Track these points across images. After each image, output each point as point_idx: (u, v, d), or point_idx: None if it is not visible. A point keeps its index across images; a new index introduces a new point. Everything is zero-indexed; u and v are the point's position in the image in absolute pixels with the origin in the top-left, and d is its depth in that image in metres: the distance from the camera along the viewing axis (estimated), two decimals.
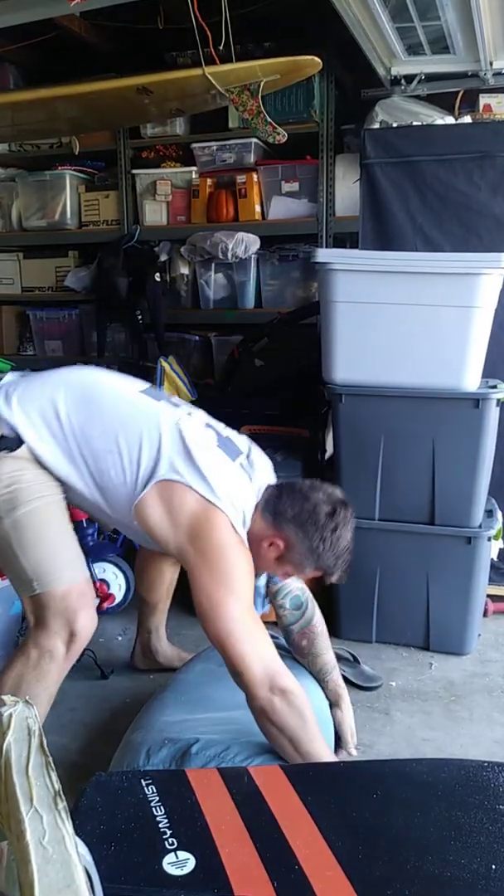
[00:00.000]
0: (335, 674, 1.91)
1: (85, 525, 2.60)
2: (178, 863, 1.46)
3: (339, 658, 2.30)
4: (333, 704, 1.87)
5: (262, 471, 1.77)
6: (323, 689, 1.89)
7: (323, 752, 1.61)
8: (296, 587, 1.94)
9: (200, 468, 1.63)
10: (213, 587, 1.60)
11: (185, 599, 2.80)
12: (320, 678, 1.91)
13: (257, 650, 1.57)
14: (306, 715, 1.57)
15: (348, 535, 1.70)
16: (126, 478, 1.66)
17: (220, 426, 1.81)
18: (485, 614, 2.61)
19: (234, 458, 1.72)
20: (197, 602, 1.63)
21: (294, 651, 1.95)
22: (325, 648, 1.92)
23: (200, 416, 1.80)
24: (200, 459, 1.64)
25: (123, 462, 1.66)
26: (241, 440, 1.81)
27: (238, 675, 1.57)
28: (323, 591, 2.60)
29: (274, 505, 1.70)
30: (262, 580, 1.84)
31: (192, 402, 3.03)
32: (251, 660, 1.56)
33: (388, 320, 2.24)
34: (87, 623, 1.69)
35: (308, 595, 1.95)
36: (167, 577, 2.21)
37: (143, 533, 1.71)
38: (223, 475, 1.66)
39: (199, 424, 1.74)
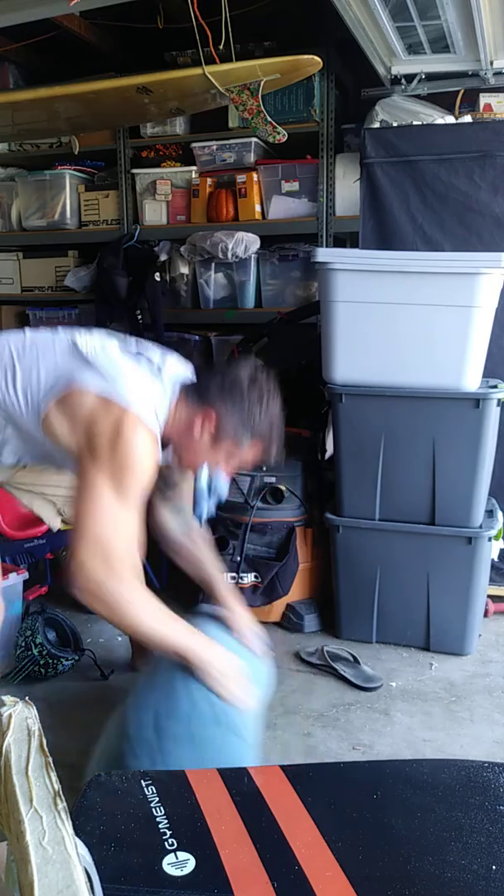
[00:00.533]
0: (221, 585, 1.93)
1: None
2: (178, 863, 1.45)
3: (339, 658, 2.30)
4: (227, 608, 1.87)
5: (174, 370, 1.74)
6: (213, 596, 1.90)
7: (158, 630, 1.57)
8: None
9: (98, 369, 1.61)
10: (95, 473, 1.54)
11: (184, 598, 2.80)
12: (207, 587, 1.93)
13: (102, 551, 1.51)
14: (128, 594, 1.53)
15: (277, 400, 1.69)
16: (30, 399, 1.64)
17: (133, 341, 1.79)
18: (485, 615, 2.61)
19: (139, 361, 1.69)
20: (76, 490, 1.58)
21: (179, 556, 1.98)
22: (209, 558, 1.96)
23: (103, 333, 1.77)
24: (97, 362, 1.62)
25: (24, 386, 1.65)
26: (154, 352, 1.77)
27: (70, 548, 1.54)
28: (323, 592, 2.61)
29: (195, 388, 1.70)
30: (204, 479, 1.80)
31: None
32: (90, 537, 1.52)
33: (388, 320, 2.24)
34: None
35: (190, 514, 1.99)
36: None
37: (60, 451, 1.66)
38: (123, 374, 1.62)
39: (98, 336, 1.72)
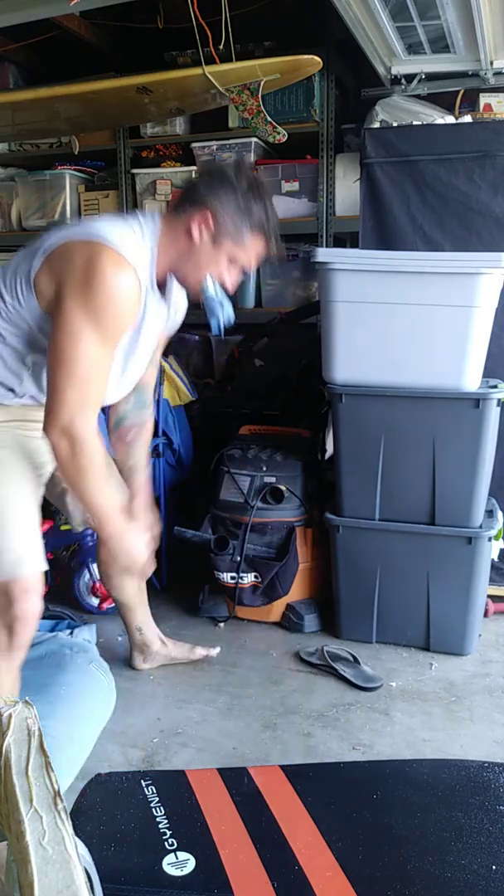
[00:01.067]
0: (140, 476, 1.98)
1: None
2: (178, 863, 1.46)
3: (339, 658, 2.30)
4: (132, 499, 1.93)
5: (153, 211, 1.77)
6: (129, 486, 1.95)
7: (101, 504, 1.65)
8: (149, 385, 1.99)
9: (78, 224, 1.67)
10: (70, 312, 1.51)
11: (184, 599, 2.80)
12: (126, 476, 1.96)
13: (77, 389, 1.52)
14: (88, 468, 1.57)
15: (266, 190, 1.68)
16: (19, 280, 1.66)
17: None
18: (485, 615, 2.61)
19: (118, 217, 1.70)
20: (53, 329, 1.55)
21: (114, 441, 2.00)
22: (141, 454, 2.00)
23: None
24: (78, 222, 1.67)
25: (11, 273, 1.71)
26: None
27: (48, 401, 1.55)
28: (323, 592, 2.60)
29: (183, 198, 1.67)
30: (212, 288, 1.69)
31: (193, 403, 3.05)
32: (65, 396, 1.52)
33: (388, 320, 2.24)
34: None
35: (151, 400, 2.01)
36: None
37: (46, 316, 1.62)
38: (100, 219, 1.64)
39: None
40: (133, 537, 1.75)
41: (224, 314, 1.72)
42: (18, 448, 1.74)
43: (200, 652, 2.31)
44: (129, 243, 1.58)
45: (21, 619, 1.63)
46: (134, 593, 2.22)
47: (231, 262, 1.66)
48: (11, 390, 1.71)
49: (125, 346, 1.67)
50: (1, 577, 1.63)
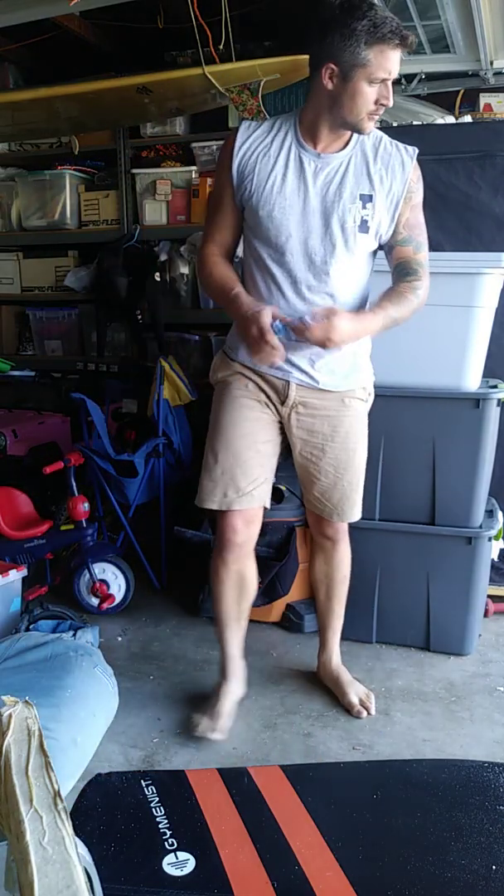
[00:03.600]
0: (379, 305, 1.87)
1: (84, 525, 2.60)
2: (178, 863, 1.46)
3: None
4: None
5: None
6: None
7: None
8: None
9: None
10: None
11: (184, 599, 2.80)
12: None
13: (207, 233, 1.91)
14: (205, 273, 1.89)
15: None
16: None
17: None
18: (485, 615, 2.61)
19: None
20: None
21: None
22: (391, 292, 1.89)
23: None
24: None
25: None
26: None
27: None
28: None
29: (309, 72, 1.77)
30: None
31: (193, 403, 3.05)
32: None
33: None
34: None
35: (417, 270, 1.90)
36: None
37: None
38: None
39: None
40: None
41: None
42: None
43: None
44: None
45: None
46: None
47: (372, 83, 1.68)
48: None
49: (268, 194, 1.78)
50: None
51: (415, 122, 2.91)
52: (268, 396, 1.91)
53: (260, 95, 2.68)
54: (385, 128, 2.82)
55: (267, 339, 1.69)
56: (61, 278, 3.93)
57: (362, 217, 1.79)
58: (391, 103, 1.72)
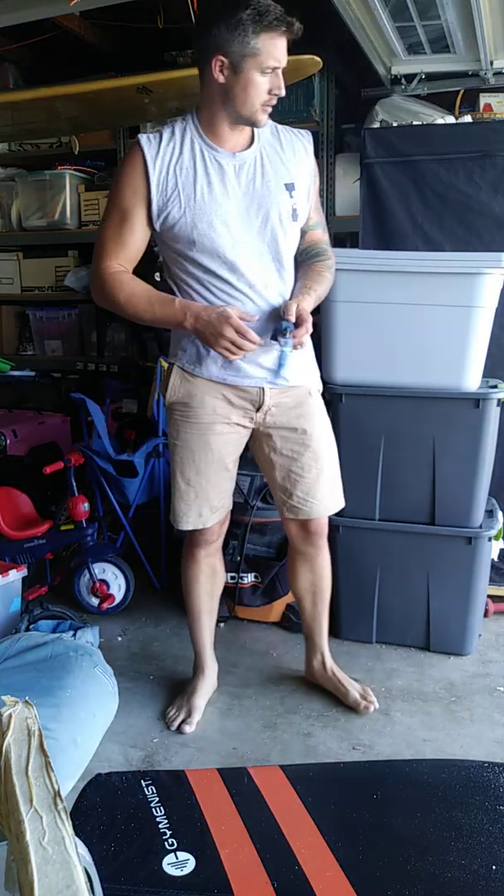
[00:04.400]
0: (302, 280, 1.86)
1: (84, 525, 2.60)
2: (178, 863, 1.46)
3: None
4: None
5: None
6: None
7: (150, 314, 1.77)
8: None
9: None
10: None
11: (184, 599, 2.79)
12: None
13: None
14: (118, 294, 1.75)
15: None
16: None
17: None
18: (485, 614, 2.61)
19: None
20: None
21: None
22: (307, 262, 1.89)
23: None
24: None
25: None
26: None
27: None
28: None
29: (198, 71, 1.74)
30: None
31: None
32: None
33: (388, 320, 2.24)
34: None
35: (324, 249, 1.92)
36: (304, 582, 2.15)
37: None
38: None
39: None
40: (204, 315, 1.70)
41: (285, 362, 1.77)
42: None
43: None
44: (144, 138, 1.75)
45: None
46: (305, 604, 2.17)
47: (263, 72, 1.66)
48: None
49: (201, 205, 1.72)
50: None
51: (415, 122, 2.91)
52: (240, 410, 1.88)
53: None
54: (385, 128, 2.84)
55: (249, 337, 1.67)
56: (61, 278, 3.93)
57: (292, 206, 1.80)
58: (283, 92, 1.71)
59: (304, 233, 1.88)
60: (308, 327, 1.74)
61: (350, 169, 3.14)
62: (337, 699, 2.12)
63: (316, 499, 1.98)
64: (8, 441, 3.09)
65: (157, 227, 1.77)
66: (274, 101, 1.72)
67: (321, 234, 1.92)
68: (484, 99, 3.04)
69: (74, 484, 2.58)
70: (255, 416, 1.89)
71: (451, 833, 1.54)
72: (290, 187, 1.79)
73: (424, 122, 2.89)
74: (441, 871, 1.44)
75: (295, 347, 1.75)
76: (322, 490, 1.98)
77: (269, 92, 1.69)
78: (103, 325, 3.82)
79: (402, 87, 3.10)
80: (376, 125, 2.98)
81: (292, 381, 1.87)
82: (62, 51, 3.34)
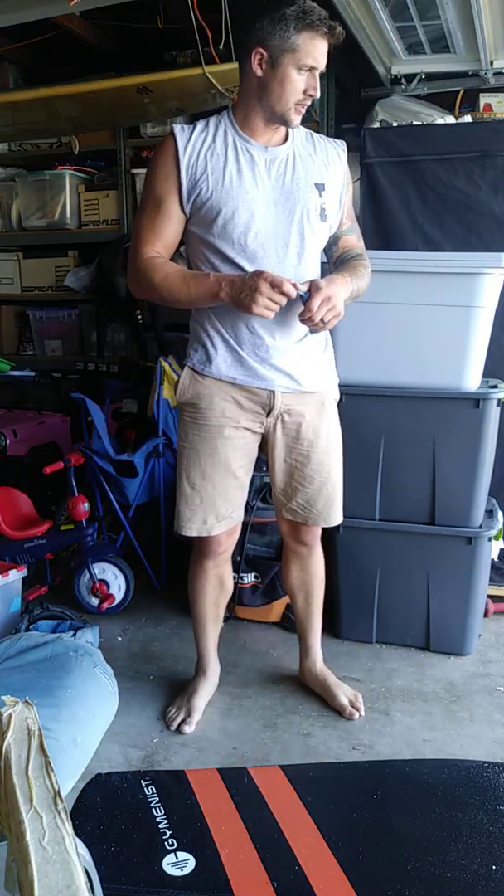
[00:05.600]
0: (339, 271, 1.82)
1: (84, 525, 2.60)
2: (178, 863, 1.46)
3: None
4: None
5: None
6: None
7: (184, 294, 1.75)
8: None
9: None
10: None
11: (184, 599, 2.80)
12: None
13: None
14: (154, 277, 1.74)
15: None
16: None
17: None
18: (485, 615, 2.61)
19: None
20: None
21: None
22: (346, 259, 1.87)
23: None
24: None
25: None
26: None
27: None
28: (324, 592, 2.60)
29: (238, 63, 1.78)
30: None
31: None
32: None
33: (388, 320, 2.24)
34: None
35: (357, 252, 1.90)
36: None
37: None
38: None
39: None
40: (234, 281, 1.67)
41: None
42: None
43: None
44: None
45: None
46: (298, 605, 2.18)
47: (300, 70, 1.67)
48: None
49: (228, 191, 1.72)
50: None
51: (415, 122, 2.91)
52: (250, 413, 1.85)
53: None
54: (385, 128, 2.84)
55: (284, 288, 1.61)
56: (61, 278, 3.93)
57: (320, 205, 1.79)
58: (318, 94, 1.72)
59: (337, 239, 1.88)
60: (324, 301, 1.64)
61: (350, 168, 3.13)
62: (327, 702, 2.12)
63: (315, 509, 1.97)
64: (8, 441, 3.09)
65: (188, 211, 1.76)
66: (308, 102, 1.73)
67: (355, 241, 1.91)
68: (484, 99, 3.04)
69: (74, 484, 2.58)
70: (266, 420, 1.87)
71: (451, 833, 1.54)
72: (320, 187, 1.79)
73: (424, 122, 2.89)
74: (441, 871, 1.44)
75: (308, 323, 1.68)
76: (322, 502, 1.97)
77: (305, 91, 1.69)
78: (103, 325, 3.82)
79: (402, 87, 3.10)
80: (376, 125, 2.98)
81: (306, 385, 1.86)
82: (62, 51, 3.34)
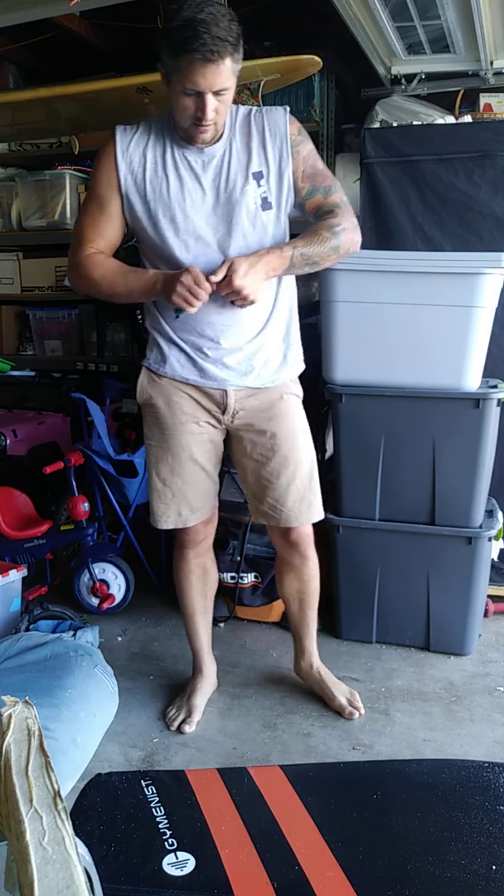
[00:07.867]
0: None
1: (84, 525, 2.60)
2: (178, 863, 1.46)
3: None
4: None
5: None
6: None
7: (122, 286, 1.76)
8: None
9: None
10: None
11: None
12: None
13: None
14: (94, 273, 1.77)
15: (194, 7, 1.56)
16: None
17: None
18: (485, 615, 2.61)
19: None
20: None
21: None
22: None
23: None
24: None
25: None
26: None
27: None
28: (323, 592, 2.60)
29: None
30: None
31: None
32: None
33: (388, 320, 2.24)
34: None
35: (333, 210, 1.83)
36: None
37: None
38: None
39: None
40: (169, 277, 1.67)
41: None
42: None
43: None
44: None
45: None
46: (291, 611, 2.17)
47: (186, 94, 1.60)
48: None
49: (166, 198, 1.73)
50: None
51: (415, 122, 2.91)
52: (207, 411, 1.87)
53: (260, 95, 2.68)
54: (385, 128, 2.84)
55: (203, 286, 1.62)
56: (61, 278, 3.92)
57: (261, 195, 1.76)
58: (206, 118, 1.62)
59: (302, 206, 1.83)
60: (227, 282, 1.63)
61: (350, 169, 3.14)
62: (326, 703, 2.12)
63: (286, 507, 1.94)
64: (8, 441, 3.09)
65: (127, 215, 1.78)
66: (208, 124, 1.64)
67: (323, 199, 1.81)
68: (484, 99, 3.04)
69: (74, 484, 2.58)
70: (223, 418, 1.88)
71: (451, 833, 1.54)
72: (258, 176, 1.76)
73: (424, 122, 2.89)
74: (441, 871, 1.44)
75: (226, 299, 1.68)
76: (293, 498, 1.93)
77: (194, 114, 1.63)
78: (103, 325, 3.82)
79: (402, 87, 3.10)
80: (376, 125, 2.98)
81: (259, 382, 1.86)
82: (62, 51, 3.34)
